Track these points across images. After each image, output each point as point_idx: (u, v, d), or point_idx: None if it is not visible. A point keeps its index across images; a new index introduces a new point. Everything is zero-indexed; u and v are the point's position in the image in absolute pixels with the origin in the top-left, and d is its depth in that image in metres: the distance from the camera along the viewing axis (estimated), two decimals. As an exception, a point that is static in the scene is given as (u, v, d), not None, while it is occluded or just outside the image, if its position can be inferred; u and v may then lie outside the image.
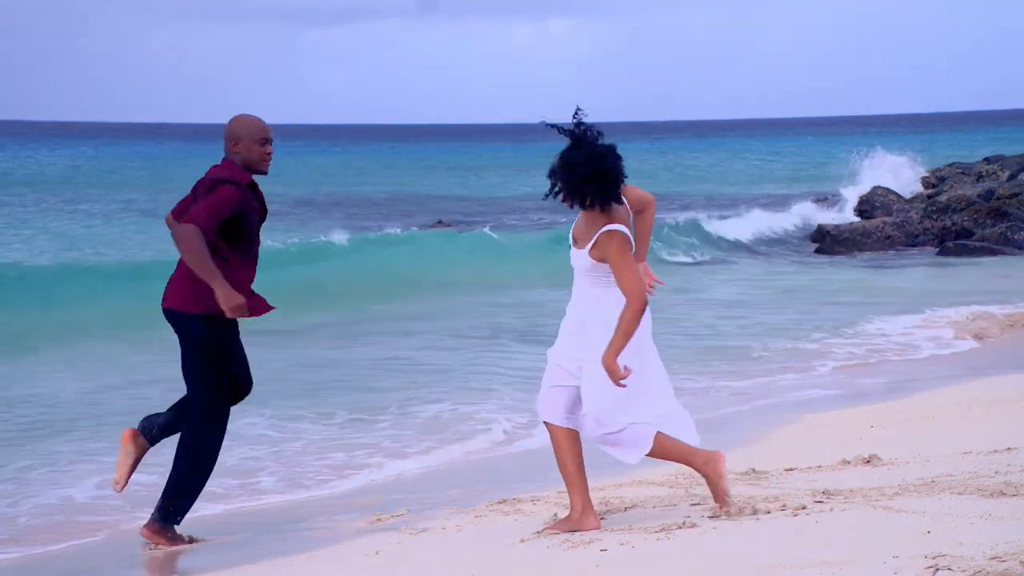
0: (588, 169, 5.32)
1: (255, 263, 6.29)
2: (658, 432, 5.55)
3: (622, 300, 5.39)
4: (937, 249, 23.97)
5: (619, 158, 5.39)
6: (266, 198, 6.42)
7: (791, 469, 6.79)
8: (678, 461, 5.66)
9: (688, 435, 5.64)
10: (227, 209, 6.05)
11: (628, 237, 5.43)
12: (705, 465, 5.64)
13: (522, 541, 5.56)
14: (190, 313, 6.12)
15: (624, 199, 5.53)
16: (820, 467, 6.80)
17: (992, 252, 23.05)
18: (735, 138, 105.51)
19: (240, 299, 6.03)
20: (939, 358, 12.30)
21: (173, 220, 6.22)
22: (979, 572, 4.45)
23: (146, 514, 6.46)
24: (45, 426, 9.61)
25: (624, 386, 5.38)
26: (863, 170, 30.63)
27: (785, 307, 16.62)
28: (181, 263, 6.15)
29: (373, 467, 8.29)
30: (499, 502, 6.37)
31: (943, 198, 26.61)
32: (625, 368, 5.35)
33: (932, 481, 6.09)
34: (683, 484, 6.56)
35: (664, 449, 5.59)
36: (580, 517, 5.57)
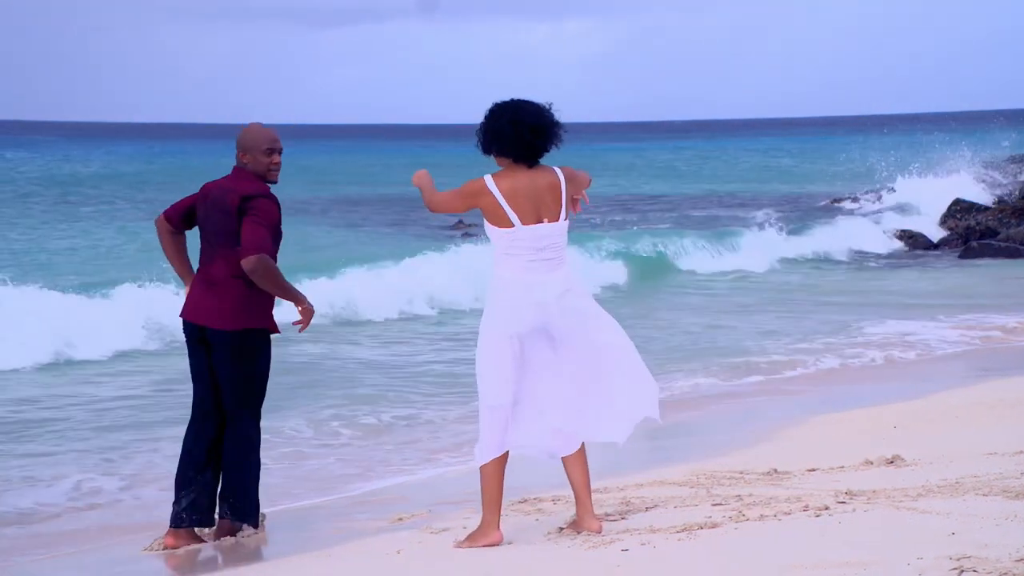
0: (485, 118, 5.62)
1: None
2: (495, 459, 5.57)
3: (499, 277, 5.53)
4: (961, 249, 23.92)
5: (520, 122, 5.51)
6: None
7: (813, 469, 6.80)
8: (482, 494, 5.64)
9: (540, 445, 5.62)
10: (278, 226, 6.23)
11: (484, 188, 5.53)
12: (483, 528, 5.62)
13: (546, 537, 5.62)
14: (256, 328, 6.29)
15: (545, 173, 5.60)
16: (843, 467, 6.81)
17: (1018, 253, 22.97)
18: (752, 137, 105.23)
19: (312, 315, 6.35)
20: (961, 358, 12.26)
21: (165, 223, 6.38)
22: (1005, 574, 4.45)
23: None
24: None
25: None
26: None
27: (809, 307, 16.62)
28: (227, 281, 6.21)
29: (394, 467, 8.32)
30: (520, 501, 6.40)
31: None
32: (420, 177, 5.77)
33: (956, 482, 6.08)
34: (704, 484, 6.57)
35: (485, 477, 5.60)
36: (487, 531, 5.62)
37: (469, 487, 6.34)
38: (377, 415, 9.78)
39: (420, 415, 9.87)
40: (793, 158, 66.45)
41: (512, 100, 5.65)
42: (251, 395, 6.30)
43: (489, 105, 5.64)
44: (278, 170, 6.32)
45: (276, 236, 6.23)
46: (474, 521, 6.00)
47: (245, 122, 6.42)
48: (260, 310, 6.24)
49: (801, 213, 30.90)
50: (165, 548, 6.33)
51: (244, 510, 6.30)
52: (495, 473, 5.61)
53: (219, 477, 6.36)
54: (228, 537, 6.35)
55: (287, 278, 6.29)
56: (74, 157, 65.11)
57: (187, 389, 6.57)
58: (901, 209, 27.78)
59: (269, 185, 6.33)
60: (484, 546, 5.61)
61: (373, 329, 15.02)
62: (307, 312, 6.31)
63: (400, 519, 6.53)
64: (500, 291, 5.57)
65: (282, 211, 6.35)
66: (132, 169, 55.47)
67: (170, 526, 6.36)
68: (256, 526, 6.36)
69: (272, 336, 6.38)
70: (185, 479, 6.34)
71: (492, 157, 5.67)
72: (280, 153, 6.30)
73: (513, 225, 5.54)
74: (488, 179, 5.58)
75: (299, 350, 12.42)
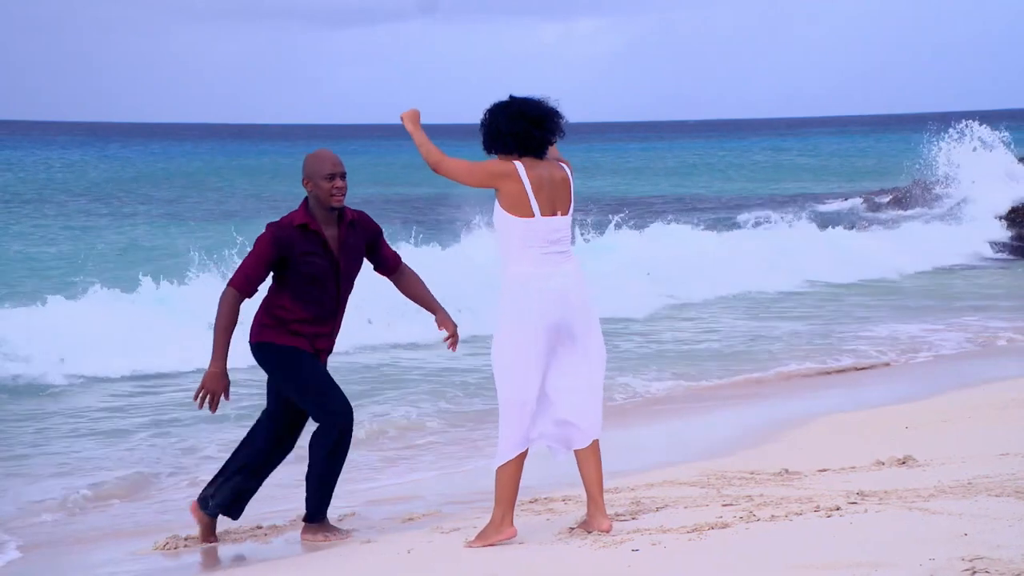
0: (484, 117, 5.63)
1: (322, 310, 6.19)
2: (517, 456, 5.56)
3: (516, 272, 5.49)
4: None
5: (513, 117, 5.53)
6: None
7: (824, 470, 6.79)
8: (497, 491, 5.62)
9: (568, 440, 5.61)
10: (260, 261, 6.09)
11: (514, 172, 5.49)
12: (495, 524, 5.60)
13: (557, 537, 5.60)
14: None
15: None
16: (854, 468, 6.79)
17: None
18: (770, 136, 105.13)
19: (216, 390, 6.03)
20: (973, 358, 12.20)
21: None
22: (1018, 575, 4.43)
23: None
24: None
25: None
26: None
27: (823, 306, 16.60)
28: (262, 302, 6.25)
29: (404, 467, 8.34)
30: (531, 501, 6.39)
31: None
32: (414, 122, 5.71)
33: (969, 483, 6.07)
34: (715, 484, 6.57)
35: (504, 475, 5.57)
36: (499, 526, 5.61)
37: (479, 486, 6.36)
38: (385, 414, 9.80)
39: (428, 414, 9.87)
40: (810, 157, 66.38)
41: (509, 97, 5.65)
42: (304, 403, 6.21)
43: (487, 105, 5.64)
44: (341, 194, 6.16)
45: (269, 267, 6.10)
46: (485, 520, 5.99)
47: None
48: (271, 325, 6.16)
49: (813, 212, 30.79)
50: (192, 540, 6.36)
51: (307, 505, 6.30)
52: (515, 470, 5.58)
53: (244, 480, 6.30)
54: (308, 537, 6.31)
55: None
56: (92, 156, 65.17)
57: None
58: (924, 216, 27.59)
59: (332, 209, 6.15)
60: (498, 541, 5.59)
61: (379, 330, 15.01)
62: (209, 378, 6.00)
63: (410, 519, 6.53)
64: (519, 285, 5.53)
65: (322, 246, 6.14)
66: (158, 169, 55.31)
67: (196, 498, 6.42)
68: (310, 519, 6.28)
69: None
70: (223, 465, 6.40)
71: (495, 156, 5.63)
72: (343, 177, 6.18)
73: (533, 215, 5.53)
74: (519, 165, 5.56)
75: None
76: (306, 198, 6.22)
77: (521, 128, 5.55)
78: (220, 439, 8.87)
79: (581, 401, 5.60)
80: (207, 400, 6.08)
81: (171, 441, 9.14)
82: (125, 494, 7.88)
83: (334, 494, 6.29)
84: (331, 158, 6.21)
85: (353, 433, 6.25)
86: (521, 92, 5.67)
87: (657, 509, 5.99)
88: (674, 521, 5.67)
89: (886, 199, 31.54)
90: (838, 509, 5.64)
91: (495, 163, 5.58)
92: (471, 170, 5.59)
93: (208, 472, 7.89)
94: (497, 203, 5.58)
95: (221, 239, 19.17)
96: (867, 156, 63.21)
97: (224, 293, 6.10)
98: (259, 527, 6.63)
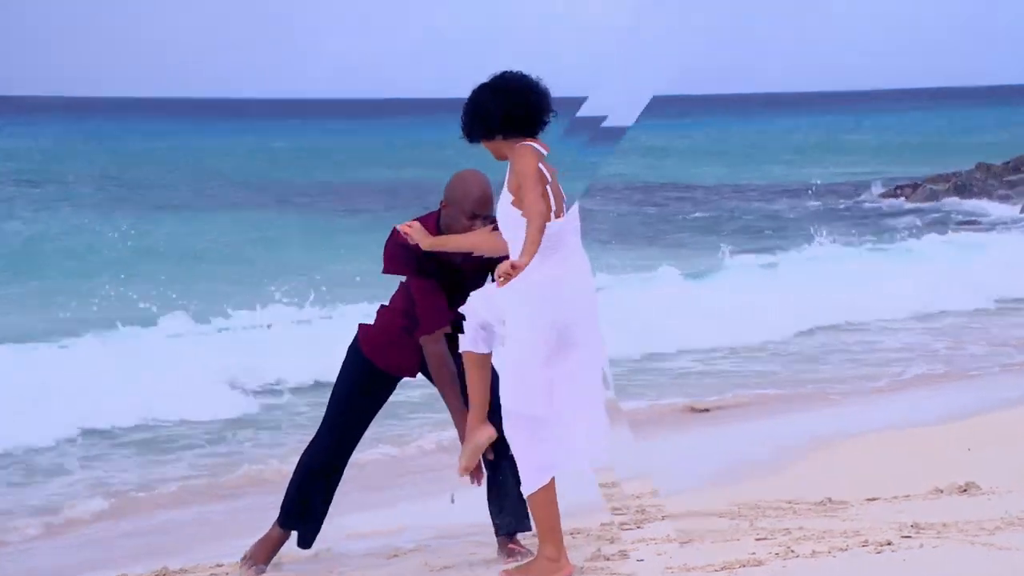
0: (467, 102, 5.42)
1: None
2: (544, 486, 5.33)
3: (531, 280, 5.18)
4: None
5: (497, 91, 5.31)
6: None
7: (873, 499, 6.71)
8: (538, 525, 5.41)
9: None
10: (423, 289, 5.93)
11: (538, 158, 5.24)
12: (546, 562, 5.36)
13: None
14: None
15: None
16: (908, 496, 6.71)
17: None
18: (818, 112, 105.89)
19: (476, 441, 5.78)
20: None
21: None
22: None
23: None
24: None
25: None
26: None
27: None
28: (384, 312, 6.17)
29: (387, 496, 8.31)
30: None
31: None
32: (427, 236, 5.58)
33: (1039, 514, 5.91)
34: (748, 516, 6.47)
35: (538, 505, 5.35)
36: (557, 563, 5.37)
37: (472, 518, 6.23)
38: (369, 437, 9.71)
39: (416, 438, 9.91)
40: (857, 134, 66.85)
41: (492, 76, 5.38)
42: (328, 407, 6.25)
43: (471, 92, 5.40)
44: None
45: (434, 276, 5.90)
46: (479, 556, 5.89)
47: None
48: (374, 331, 6.13)
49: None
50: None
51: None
52: (545, 497, 5.34)
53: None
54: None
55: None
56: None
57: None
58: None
59: None
60: None
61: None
62: (468, 434, 5.68)
63: (395, 555, 6.40)
64: (538, 291, 5.25)
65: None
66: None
67: None
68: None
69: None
70: None
71: (481, 144, 5.37)
72: (486, 220, 5.84)
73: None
74: (535, 146, 5.28)
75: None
76: (440, 212, 5.95)
77: (508, 103, 5.27)
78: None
79: (583, 416, 5.35)
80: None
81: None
82: (117, 514, 8.19)
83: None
84: (479, 196, 5.85)
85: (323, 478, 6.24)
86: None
87: (682, 544, 5.84)
88: (701, 558, 5.53)
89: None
90: (889, 544, 5.53)
91: (526, 165, 5.21)
92: (540, 194, 5.19)
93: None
94: (507, 196, 5.29)
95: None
96: (934, 133, 63.57)
97: (432, 353, 5.97)
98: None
